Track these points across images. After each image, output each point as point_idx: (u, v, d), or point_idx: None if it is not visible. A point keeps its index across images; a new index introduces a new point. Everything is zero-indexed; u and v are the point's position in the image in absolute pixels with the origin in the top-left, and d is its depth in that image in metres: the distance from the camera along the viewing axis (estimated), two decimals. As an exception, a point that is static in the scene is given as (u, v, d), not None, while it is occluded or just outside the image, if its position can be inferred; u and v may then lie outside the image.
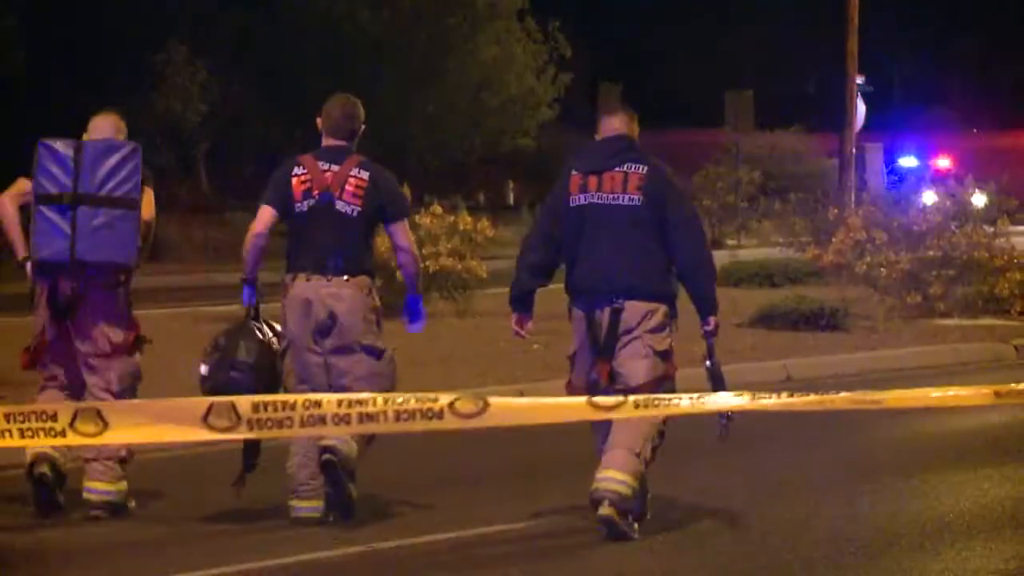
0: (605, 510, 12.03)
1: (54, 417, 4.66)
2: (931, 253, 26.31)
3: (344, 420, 5.26)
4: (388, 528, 12.72)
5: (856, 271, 26.29)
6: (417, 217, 25.21)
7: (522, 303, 13.11)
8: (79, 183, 12.85)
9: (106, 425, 4.74)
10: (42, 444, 4.61)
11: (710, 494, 13.88)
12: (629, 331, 12.61)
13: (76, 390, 13.12)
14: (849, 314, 24.03)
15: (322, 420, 5.14)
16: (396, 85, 49.63)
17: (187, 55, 46.80)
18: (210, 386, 12.65)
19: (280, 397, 4.87)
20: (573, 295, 12.99)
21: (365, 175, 13.01)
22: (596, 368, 12.66)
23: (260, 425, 5.04)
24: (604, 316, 12.64)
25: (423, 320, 13.67)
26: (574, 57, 53.23)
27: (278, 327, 13.11)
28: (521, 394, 16.19)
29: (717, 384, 12.73)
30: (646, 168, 12.81)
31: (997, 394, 7.38)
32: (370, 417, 5.23)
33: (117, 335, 13.13)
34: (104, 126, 13.47)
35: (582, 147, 13.52)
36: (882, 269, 25.94)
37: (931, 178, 35.87)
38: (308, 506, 12.78)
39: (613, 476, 12.11)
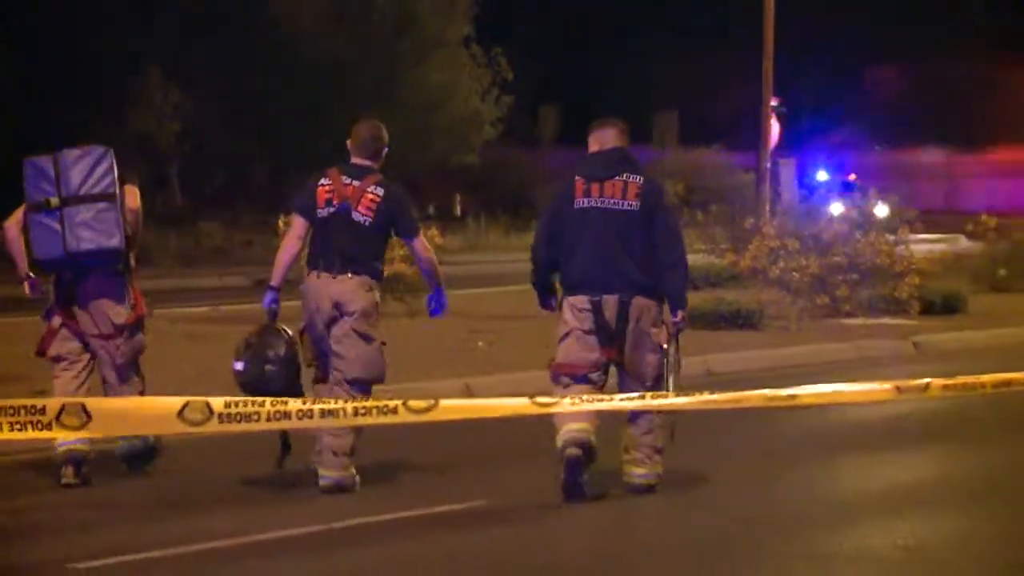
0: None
1: (42, 411, 4.65)
2: (838, 259, 26.39)
3: (307, 415, 5.26)
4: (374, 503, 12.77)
5: (770, 276, 26.35)
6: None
7: (546, 290, 13.82)
8: (61, 188, 13.21)
9: (89, 419, 4.73)
10: (29, 436, 4.56)
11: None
12: (637, 322, 13.14)
13: (86, 368, 13.63)
14: (764, 314, 24.10)
15: (287, 416, 5.15)
16: (354, 107, 49.60)
17: (161, 78, 46.70)
18: (246, 379, 13.16)
19: (248, 399, 4.86)
20: (575, 287, 13.33)
21: (380, 192, 13.51)
22: (604, 352, 13.11)
23: (230, 419, 5.04)
24: (613, 307, 13.09)
25: (442, 311, 14.24)
26: (515, 80, 53.28)
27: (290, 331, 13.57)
28: (467, 387, 16.26)
29: (674, 372, 13.16)
30: (642, 179, 13.34)
31: (898, 389, 7.40)
32: (331, 413, 5.23)
33: (120, 316, 13.56)
34: (103, 151, 13.57)
35: (584, 157, 13.66)
36: (794, 274, 26.00)
37: (840, 191, 35.94)
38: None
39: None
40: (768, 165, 44.82)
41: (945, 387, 7.11)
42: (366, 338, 13.35)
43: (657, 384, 13.14)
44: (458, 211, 61.99)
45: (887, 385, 6.49)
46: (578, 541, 12.19)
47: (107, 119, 44.65)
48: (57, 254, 13.27)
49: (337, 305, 13.26)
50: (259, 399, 5.06)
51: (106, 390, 13.70)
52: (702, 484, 13.78)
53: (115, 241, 13.32)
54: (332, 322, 13.32)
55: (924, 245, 31.39)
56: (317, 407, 5.22)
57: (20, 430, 4.62)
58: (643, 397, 12.04)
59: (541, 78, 56.52)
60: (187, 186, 48.97)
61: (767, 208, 37.60)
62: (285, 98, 49.08)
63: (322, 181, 13.59)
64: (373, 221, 13.50)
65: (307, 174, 14.23)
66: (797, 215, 30.08)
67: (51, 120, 44.07)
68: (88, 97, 44.45)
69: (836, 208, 29.61)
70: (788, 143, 49.48)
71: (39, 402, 4.62)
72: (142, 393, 13.68)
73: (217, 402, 4.97)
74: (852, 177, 57.91)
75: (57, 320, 13.62)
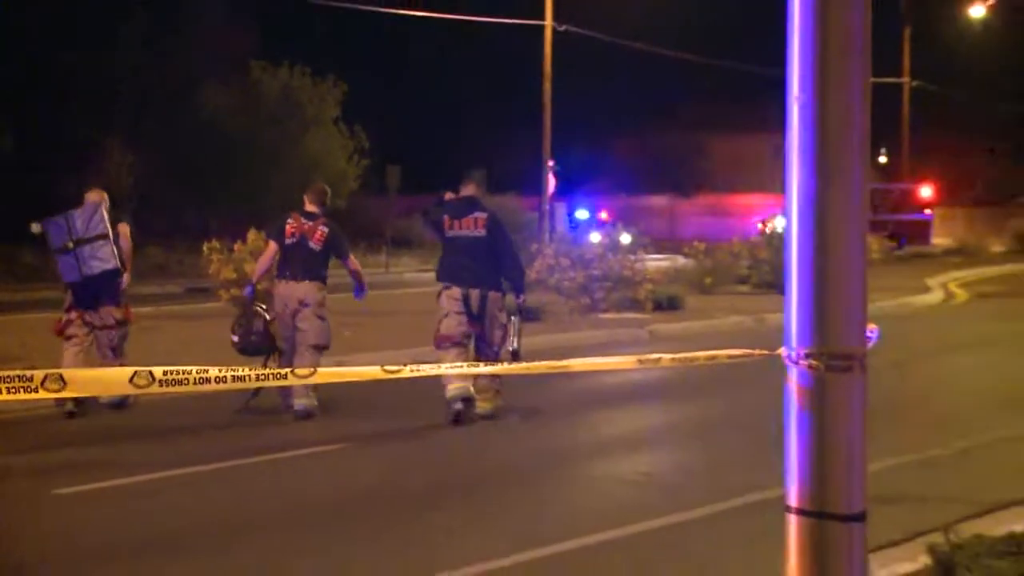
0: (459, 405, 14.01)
1: (30, 379, 4.65)
2: (596, 272, 26.44)
3: (222, 381, 5.22)
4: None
5: (549, 283, 26.38)
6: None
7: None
8: (72, 235, 14.55)
9: (65, 384, 4.73)
10: (20, 397, 4.59)
11: (425, 430, 13.89)
12: (490, 308, 14.47)
13: (88, 346, 14.79)
14: (545, 311, 24.10)
15: (208, 381, 5.13)
16: (259, 167, 49.35)
17: (119, 145, 46.18)
18: (241, 346, 14.83)
19: (180, 368, 4.83)
20: (449, 284, 14.43)
21: (326, 230, 14.75)
22: (471, 326, 14.33)
23: (167, 384, 5.03)
24: (476, 298, 14.31)
25: (363, 295, 15.60)
26: (370, 147, 53.32)
27: (264, 306, 15.00)
28: (339, 363, 16.10)
29: (516, 336, 14.56)
30: (487, 215, 14.61)
31: (639, 361, 7.42)
32: (240, 378, 5.22)
33: (117, 313, 14.96)
34: (92, 195, 15.25)
35: (450, 202, 14.80)
36: (565, 282, 26.08)
37: (596, 225, 36.20)
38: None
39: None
40: (547, 207, 45.24)
41: (671, 360, 7.11)
42: (320, 319, 14.59)
43: (502, 346, 14.57)
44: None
45: (631, 359, 6.50)
46: (451, 456, 12.08)
47: (80, 176, 44.37)
48: (76, 278, 14.59)
49: (301, 301, 14.49)
50: (187, 368, 5.05)
51: (101, 360, 14.64)
52: (468, 435, 13.74)
53: (112, 264, 14.61)
54: (297, 312, 14.48)
55: (654, 262, 31.55)
56: (229, 374, 5.20)
57: (13, 393, 4.66)
58: (477, 365, 13.97)
59: (388, 144, 56.48)
60: (138, 223, 48.40)
61: (547, 237, 37.74)
62: (209, 159, 48.64)
63: (288, 220, 14.81)
64: (321, 248, 14.71)
65: (227, 213, 16.27)
66: (567, 242, 30.20)
67: (42, 176, 43.92)
68: (69, 159, 44.35)
69: (594, 237, 29.79)
70: (560, 191, 49.68)
71: (27, 372, 4.64)
72: (123, 364, 14.13)
73: (157, 371, 5.01)
74: (604, 215, 58.32)
75: (74, 314, 14.75)
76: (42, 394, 4.69)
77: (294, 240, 14.63)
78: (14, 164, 44.96)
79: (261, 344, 14.81)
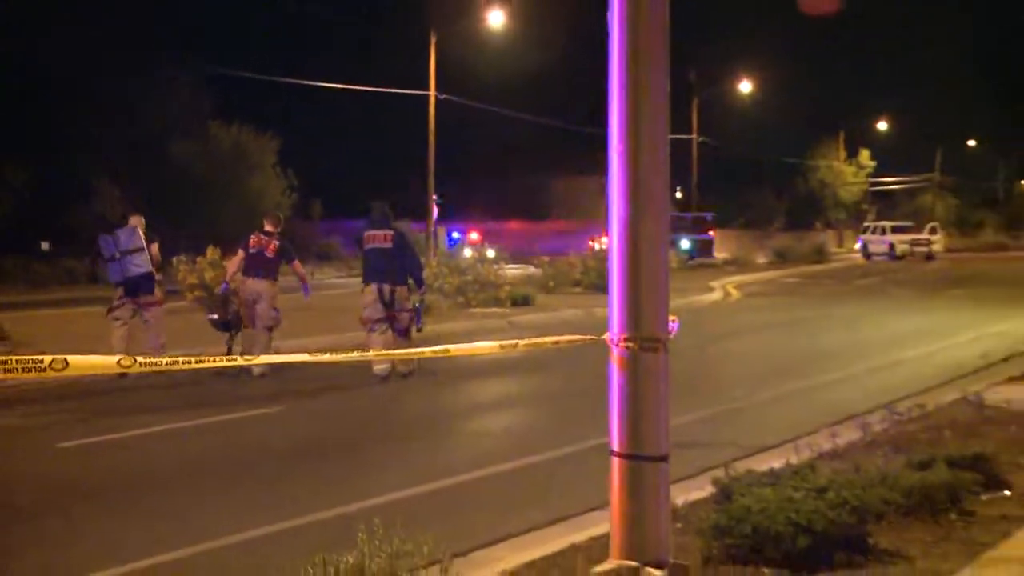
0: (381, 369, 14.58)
1: (40, 362, 4.54)
2: (469, 278, 26.46)
3: (187, 363, 5.14)
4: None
5: (434, 287, 26.11)
6: (225, 261, 24.91)
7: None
8: (118, 247, 15.46)
9: (67, 365, 4.60)
10: (31, 376, 4.49)
11: (351, 394, 13.77)
12: (398, 300, 14.95)
13: (127, 325, 15.51)
14: (431, 307, 23.87)
15: (158, 364, 5.09)
16: (215, 200, 48.68)
17: (109, 185, 45.42)
18: (223, 323, 15.66)
19: (151, 357, 4.80)
20: (369, 282, 14.87)
21: (278, 243, 15.75)
22: (385, 313, 14.81)
23: (143, 366, 4.95)
24: (387, 291, 14.80)
25: (309, 293, 16.66)
26: (299, 184, 53.17)
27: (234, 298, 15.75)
28: (276, 348, 15.85)
29: (418, 320, 15.19)
30: (393, 232, 15.15)
31: (501, 346, 7.44)
32: (175, 362, 5.16)
33: (154, 299, 15.71)
34: (133, 219, 15.87)
35: (367, 222, 15.39)
36: (446, 286, 26.00)
37: (468, 244, 36.14)
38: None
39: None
40: (432, 230, 45.11)
41: (525, 345, 7.11)
42: (273, 308, 15.48)
43: (410, 326, 15.14)
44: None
45: (495, 344, 6.47)
46: (367, 415, 12.01)
47: (82, 208, 44.17)
48: (121, 279, 15.54)
49: (259, 293, 15.40)
50: (155, 358, 5.00)
51: (146, 331, 15.68)
52: (408, 386, 13.64)
53: (145, 269, 15.49)
54: (256, 301, 15.42)
55: (512, 271, 31.65)
56: (165, 359, 5.15)
57: (27, 372, 4.56)
58: (390, 349, 14.25)
59: (312, 182, 56.02)
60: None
61: (432, 252, 37.63)
62: (178, 194, 47.75)
63: (252, 236, 15.71)
64: (274, 256, 15.66)
65: (191, 234, 17.13)
66: (447, 256, 30.23)
67: (50, 206, 43.84)
68: (71, 192, 44.30)
69: (467, 252, 29.78)
70: (442, 218, 49.42)
71: (39, 356, 4.52)
72: (163, 345, 15.52)
73: (138, 358, 4.91)
74: (474, 236, 58.19)
75: (121, 301, 15.55)
76: (49, 373, 4.57)
77: (256, 250, 15.60)
78: (29, 196, 44.32)
79: (236, 322, 15.68)
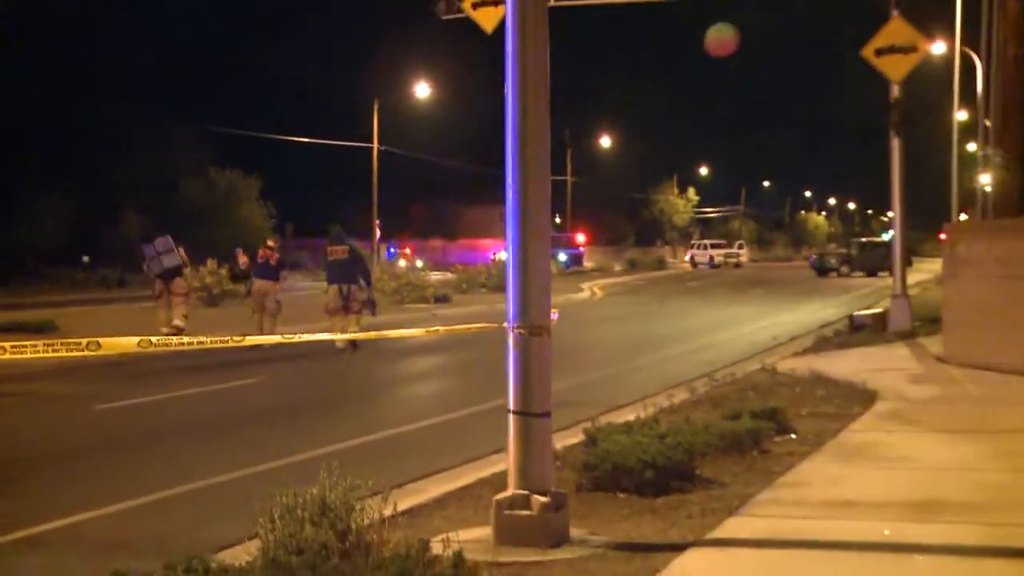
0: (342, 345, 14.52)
1: (79, 343, 4.46)
2: (404, 282, 26.18)
3: (190, 344, 5.02)
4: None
5: (377, 288, 25.62)
6: (222, 269, 24.54)
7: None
8: (156, 250, 16.71)
9: (99, 347, 4.49)
10: (73, 354, 4.42)
11: (314, 368, 13.52)
12: (353, 293, 15.15)
13: (167, 305, 16.51)
14: (375, 304, 23.72)
15: (183, 345, 4.94)
16: (212, 226, 47.57)
17: (133, 215, 44.17)
18: (241, 276, 17.29)
19: (164, 338, 4.66)
20: (331, 283, 15.12)
21: (277, 255, 16.76)
22: (343, 303, 15.01)
23: (156, 346, 4.83)
24: (345, 289, 15.05)
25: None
26: (276, 212, 52.64)
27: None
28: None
29: (371, 309, 15.36)
30: (349, 246, 15.41)
31: (427, 332, 7.44)
32: (200, 343, 5.03)
33: (185, 287, 16.96)
34: (167, 237, 16.97)
35: (329, 242, 15.47)
36: (386, 287, 25.64)
37: (402, 256, 35.94)
38: None
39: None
40: (376, 246, 44.60)
41: (446, 330, 7.08)
42: (276, 300, 16.27)
43: (360, 314, 15.20)
44: (242, 265, 59.93)
45: (422, 330, 6.41)
46: (321, 387, 11.70)
47: (113, 231, 43.40)
48: (160, 271, 16.63)
49: (265, 291, 16.21)
50: (170, 338, 4.89)
51: (174, 307, 16.51)
52: (355, 360, 13.43)
53: (176, 263, 16.73)
54: (264, 296, 16.21)
55: (435, 276, 31.49)
56: (175, 340, 5.03)
57: (68, 352, 4.45)
58: (346, 331, 13.96)
59: (287, 210, 55.18)
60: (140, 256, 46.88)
61: (376, 263, 37.23)
62: (185, 222, 46.06)
63: (260, 249, 16.84)
64: (276, 264, 16.57)
65: (195, 252, 17.84)
66: (387, 266, 30.02)
67: (87, 227, 43.16)
68: (103, 218, 43.69)
69: (402, 262, 29.63)
70: (383, 237, 48.79)
71: (77, 339, 4.42)
72: (186, 316, 16.57)
73: (155, 339, 4.81)
74: (407, 251, 57.75)
75: (161, 288, 16.64)
76: (86, 352, 4.47)
77: (262, 260, 16.49)
78: (73, 220, 43.85)
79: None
